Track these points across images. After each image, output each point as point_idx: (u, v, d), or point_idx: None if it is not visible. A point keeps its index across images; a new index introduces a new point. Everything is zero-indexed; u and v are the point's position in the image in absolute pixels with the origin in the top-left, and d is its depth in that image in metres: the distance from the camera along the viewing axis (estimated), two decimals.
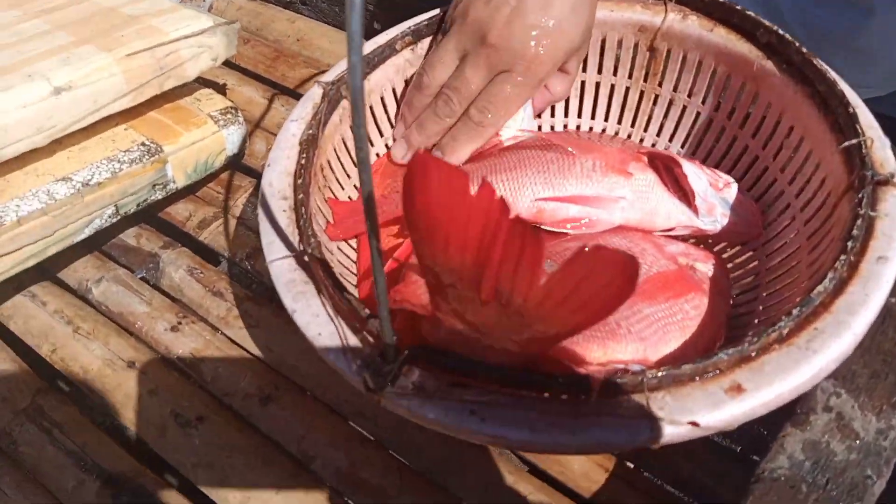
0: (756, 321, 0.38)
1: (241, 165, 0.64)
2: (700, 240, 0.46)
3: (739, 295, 0.41)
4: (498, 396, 0.26)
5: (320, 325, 0.31)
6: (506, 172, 0.42)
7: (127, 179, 0.52)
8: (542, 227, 0.40)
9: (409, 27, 0.49)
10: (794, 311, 0.28)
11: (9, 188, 0.47)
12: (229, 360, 0.48)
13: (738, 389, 0.26)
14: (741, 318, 0.39)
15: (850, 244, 0.30)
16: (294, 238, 0.37)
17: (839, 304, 0.28)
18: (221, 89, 0.67)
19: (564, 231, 0.40)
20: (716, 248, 0.46)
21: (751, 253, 0.44)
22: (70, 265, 0.55)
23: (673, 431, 0.24)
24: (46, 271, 0.55)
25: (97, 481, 0.42)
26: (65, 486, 0.42)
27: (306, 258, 0.35)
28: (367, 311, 0.29)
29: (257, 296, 0.52)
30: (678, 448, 0.34)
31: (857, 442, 0.33)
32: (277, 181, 0.40)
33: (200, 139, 0.55)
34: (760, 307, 0.39)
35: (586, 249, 0.18)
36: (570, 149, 0.42)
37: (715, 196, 0.41)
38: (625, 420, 0.25)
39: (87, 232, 0.51)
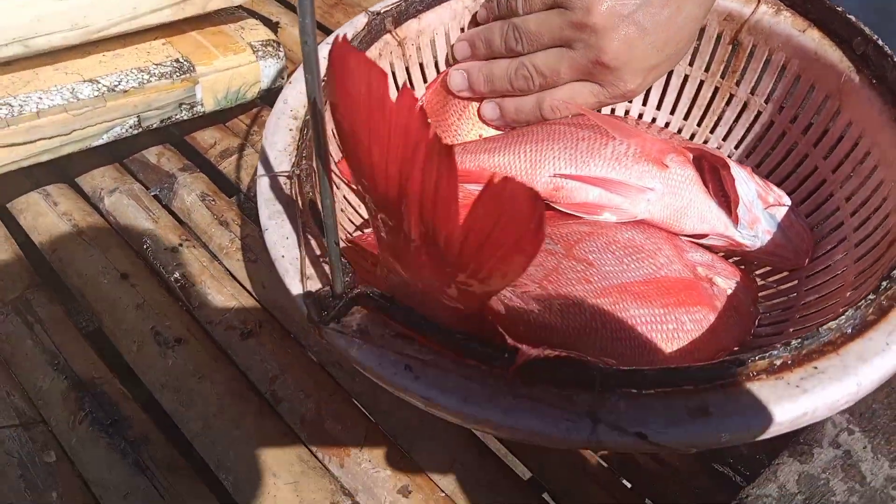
0: None
1: (274, 101, 0.66)
2: (741, 259, 0.45)
3: (764, 325, 0.40)
4: (439, 358, 0.27)
5: (287, 248, 0.33)
6: (531, 143, 0.42)
7: (153, 92, 0.55)
8: (557, 207, 0.40)
9: None
10: (794, 342, 0.27)
11: (35, 80, 0.51)
12: (220, 289, 0.51)
13: (703, 412, 0.25)
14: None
15: (884, 283, 0.29)
16: (291, 158, 0.38)
17: (852, 348, 0.27)
18: (273, 26, 0.70)
19: (579, 215, 0.39)
20: (759, 271, 0.45)
21: (793, 283, 0.42)
22: (89, 172, 0.59)
23: (615, 438, 0.24)
24: (65, 174, 0.59)
25: (65, 381, 0.45)
26: (34, 381, 0.45)
27: (294, 179, 0.36)
28: (336, 238, 0.30)
29: (262, 232, 0.54)
30: (669, 464, 0.34)
31: (861, 486, 0.31)
32: (293, 99, 0.42)
33: (236, 66, 0.58)
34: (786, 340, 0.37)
35: (493, 182, 0.18)
36: (608, 130, 0.42)
37: (761, 209, 0.40)
38: (566, 414, 0.25)
39: (106, 138, 0.55)
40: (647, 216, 0.40)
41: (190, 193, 0.58)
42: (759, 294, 0.43)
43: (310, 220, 0.35)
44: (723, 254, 0.43)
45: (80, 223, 0.55)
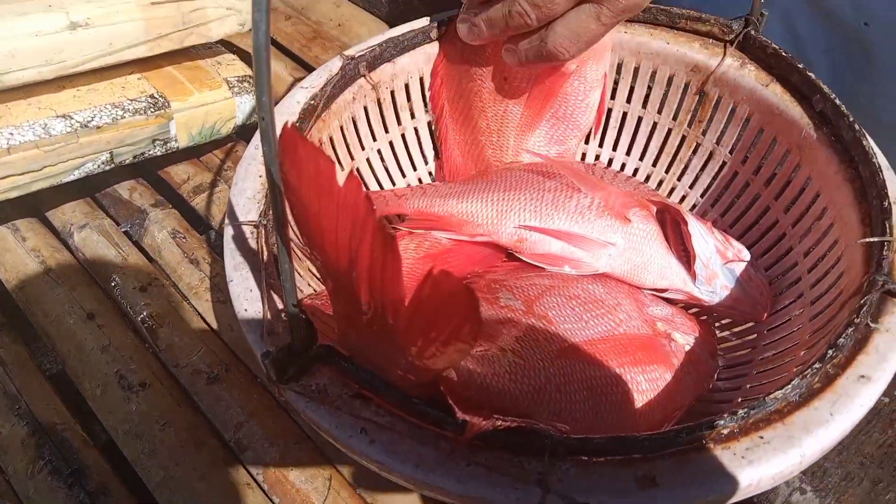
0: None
1: (249, 138, 0.67)
2: (701, 309, 0.46)
3: (723, 378, 0.41)
4: (395, 421, 0.27)
5: (250, 301, 0.33)
6: (500, 191, 0.43)
7: (127, 129, 0.55)
8: (521, 257, 0.41)
9: (449, 17, 0.51)
10: (741, 412, 0.28)
11: (7, 115, 0.51)
12: (188, 330, 0.51)
13: (650, 482, 0.26)
14: (717, 406, 0.39)
15: (831, 352, 0.30)
16: (259, 206, 0.39)
17: (797, 418, 0.28)
18: (248, 58, 0.71)
19: (541, 266, 0.40)
20: (719, 322, 0.46)
21: (752, 336, 0.43)
22: (59, 207, 0.59)
23: None
24: (35, 209, 0.59)
25: (26, 427, 0.45)
26: None
27: (261, 229, 0.37)
28: (295, 301, 0.31)
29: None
30: None
31: None
32: None
33: (211, 102, 0.59)
34: (739, 399, 0.38)
35: (432, 273, 0.18)
36: (574, 182, 0.43)
37: (719, 265, 0.41)
38: (517, 483, 0.25)
39: (77, 174, 0.55)
40: (609, 270, 0.41)
41: (161, 230, 0.58)
42: (720, 346, 0.44)
43: (274, 273, 0.35)
44: (683, 305, 0.44)
45: (49, 260, 0.55)
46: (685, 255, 0.42)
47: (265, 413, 0.46)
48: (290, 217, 0.24)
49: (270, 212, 0.38)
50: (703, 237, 0.41)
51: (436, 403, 0.28)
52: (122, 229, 0.59)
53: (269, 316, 0.34)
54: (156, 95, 0.57)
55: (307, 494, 0.42)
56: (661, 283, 0.41)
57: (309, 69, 0.72)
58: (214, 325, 0.52)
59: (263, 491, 0.43)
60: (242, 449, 0.45)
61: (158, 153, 0.59)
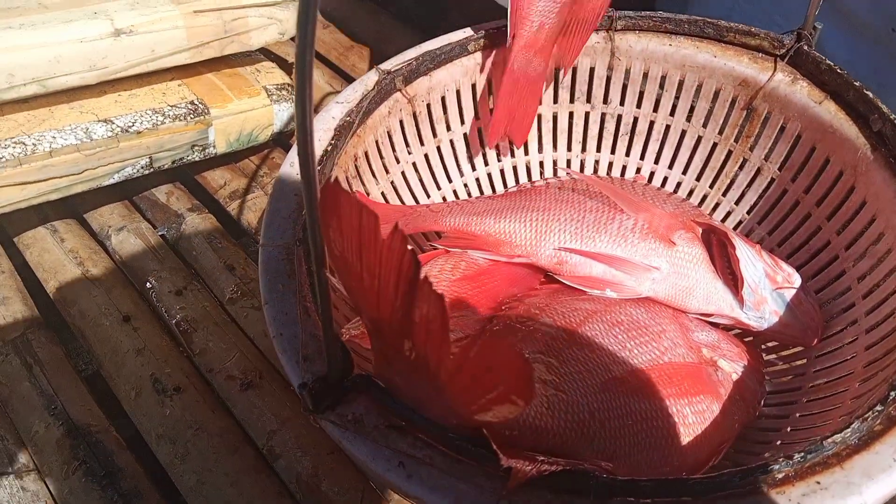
0: (778, 442, 0.36)
1: (286, 144, 0.67)
2: (748, 332, 0.44)
3: (771, 405, 0.39)
4: (434, 455, 0.26)
5: (285, 325, 0.33)
6: (538, 210, 0.42)
7: (167, 134, 0.55)
8: (560, 279, 0.40)
9: (486, 30, 0.50)
10: (797, 455, 0.26)
11: (50, 118, 0.51)
12: (223, 336, 0.51)
13: None
14: (763, 433, 0.37)
15: (893, 394, 0.28)
16: (295, 226, 0.38)
17: (857, 462, 0.26)
18: (288, 66, 0.71)
19: (582, 289, 0.39)
20: (766, 345, 0.44)
21: (802, 360, 0.41)
22: (97, 209, 0.60)
23: None
24: (74, 210, 0.60)
25: (61, 428, 0.45)
26: (29, 425, 0.46)
27: (296, 251, 0.36)
28: (333, 331, 0.30)
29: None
30: None
31: None
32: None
33: (249, 109, 0.59)
34: (789, 428, 0.36)
35: (486, 341, 0.18)
36: (616, 201, 0.41)
37: (769, 290, 0.39)
38: None
39: (116, 178, 0.56)
40: (652, 294, 0.39)
41: (197, 235, 0.58)
42: (767, 369, 0.42)
43: (310, 297, 0.34)
44: (735, 330, 0.42)
45: (86, 261, 0.56)
46: (732, 280, 0.40)
47: (298, 421, 0.46)
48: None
49: (308, 231, 0.37)
50: (751, 261, 0.39)
51: (475, 438, 0.27)
52: (159, 233, 0.59)
53: (305, 341, 0.33)
54: (196, 102, 0.57)
55: None
56: (707, 308, 0.40)
57: (346, 77, 0.72)
58: (249, 331, 0.52)
59: (296, 500, 0.42)
60: (275, 457, 0.44)
61: (197, 158, 0.59)
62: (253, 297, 0.54)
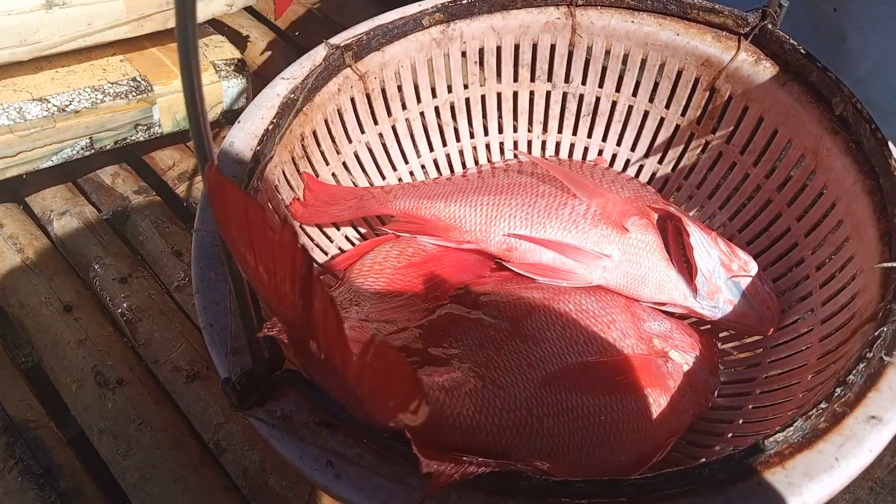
0: (730, 434, 0.36)
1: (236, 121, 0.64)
2: (701, 321, 0.43)
3: (725, 395, 0.38)
4: (363, 453, 0.25)
5: (216, 316, 0.31)
6: (490, 194, 0.41)
7: (107, 113, 0.53)
8: (510, 266, 0.39)
9: (442, 3, 0.48)
10: (737, 455, 0.25)
11: None
12: (169, 326, 0.49)
13: None
14: (716, 425, 0.37)
15: (839, 390, 0.27)
16: None
17: (799, 462, 0.26)
18: (242, 40, 0.68)
19: (532, 277, 0.38)
20: (723, 334, 0.43)
21: (757, 350, 0.41)
22: (40, 192, 0.57)
23: None
24: (16, 193, 0.57)
25: None
26: None
27: None
28: (254, 326, 0.29)
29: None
30: None
31: None
32: (240, 141, 0.40)
33: None
34: (741, 420, 0.36)
35: (372, 344, 0.16)
36: (570, 186, 0.40)
37: (724, 278, 0.38)
38: None
39: (55, 160, 0.53)
40: (603, 283, 0.38)
41: (144, 219, 0.56)
42: (723, 359, 0.42)
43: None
44: (691, 320, 0.41)
45: (26, 247, 0.54)
46: (687, 268, 0.39)
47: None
48: None
49: None
50: (706, 249, 0.38)
51: (404, 437, 0.26)
52: (104, 217, 0.57)
53: (235, 333, 0.32)
54: (138, 79, 0.54)
55: (287, 500, 0.41)
56: (660, 297, 0.39)
57: (303, 51, 0.70)
58: (196, 320, 0.50)
59: (243, 496, 0.41)
60: (221, 451, 0.43)
61: (141, 138, 0.57)
62: None
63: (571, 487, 0.25)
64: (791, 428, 0.26)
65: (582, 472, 0.30)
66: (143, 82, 0.54)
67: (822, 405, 0.27)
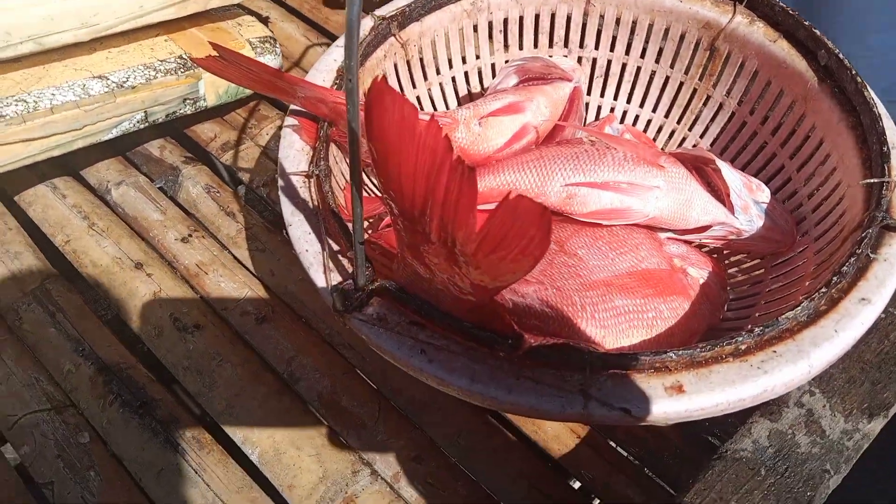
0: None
1: (271, 97, 0.70)
2: (734, 250, 0.50)
3: (734, 308, 0.45)
4: (449, 343, 0.32)
5: (310, 243, 0.37)
6: (536, 160, 0.47)
7: (160, 88, 0.58)
8: (572, 216, 0.44)
9: None
10: (757, 329, 0.32)
11: (47, 77, 0.53)
12: (233, 277, 0.55)
13: (678, 389, 0.30)
14: (727, 333, 0.44)
15: (835, 279, 0.34)
16: (307, 157, 0.43)
17: (805, 335, 0.33)
18: (264, 21, 0.73)
19: (597, 223, 0.43)
20: (728, 260, 0.50)
21: (760, 271, 0.48)
22: (93, 165, 0.62)
23: (603, 413, 0.29)
24: (70, 167, 0.62)
25: (92, 367, 0.49)
26: (61, 367, 0.49)
27: (313, 178, 0.41)
28: (362, 239, 0.35)
29: (268, 222, 0.59)
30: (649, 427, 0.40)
31: (822, 439, 0.38)
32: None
33: None
34: (750, 326, 0.43)
35: (508, 198, 0.22)
36: (604, 142, 0.46)
37: (748, 196, 0.45)
38: (561, 391, 0.30)
39: (115, 133, 0.58)
40: (658, 213, 0.44)
41: (195, 185, 0.61)
42: (731, 281, 0.48)
43: (329, 218, 0.39)
44: (723, 243, 0.48)
45: (90, 215, 0.59)
46: (717, 191, 0.46)
47: (313, 348, 0.50)
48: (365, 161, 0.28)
49: (322, 162, 0.42)
50: (730, 171, 0.44)
51: (485, 328, 0.32)
52: (157, 185, 0.62)
53: (328, 254, 0.38)
54: (184, 56, 0.59)
55: (360, 417, 0.47)
56: (706, 218, 0.45)
57: (321, 31, 0.75)
58: (256, 271, 0.56)
59: (319, 416, 0.47)
60: (295, 381, 0.49)
61: (189, 111, 0.62)
62: (256, 240, 0.58)
63: (625, 359, 0.31)
64: (799, 308, 0.33)
65: None
66: (188, 59, 0.59)
67: (822, 290, 0.34)
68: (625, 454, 0.45)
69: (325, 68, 0.47)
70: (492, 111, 0.49)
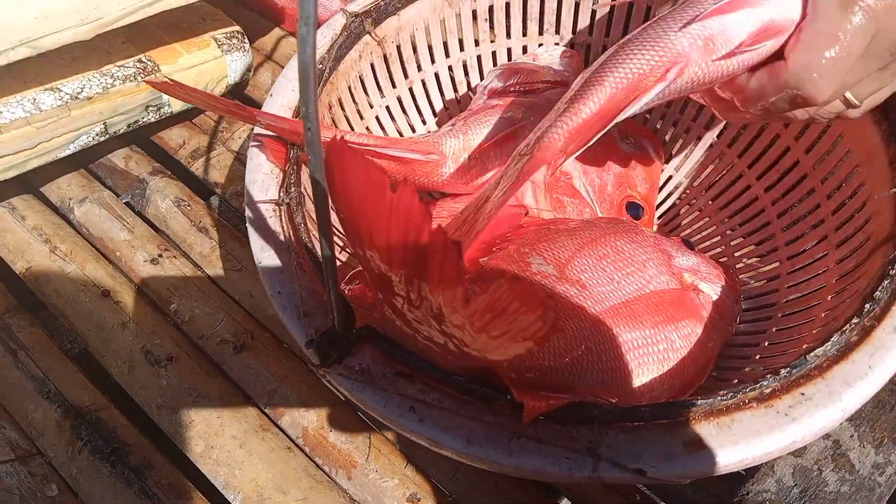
0: (757, 356, 0.40)
1: (243, 96, 0.65)
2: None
3: (747, 321, 0.42)
4: (441, 398, 0.28)
5: (282, 283, 0.34)
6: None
7: (119, 97, 0.53)
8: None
9: None
10: (783, 372, 0.29)
11: None
12: (207, 301, 0.51)
13: (698, 445, 0.27)
14: (741, 349, 0.40)
15: (868, 306, 0.31)
16: (277, 181, 0.39)
17: (836, 372, 0.29)
18: (230, 10, 0.68)
19: (745, 51, 0.33)
20: (740, 263, 0.47)
21: (775, 278, 0.44)
22: (54, 181, 0.58)
23: (615, 475, 0.26)
24: (29, 185, 0.58)
25: (58, 410, 0.46)
26: (25, 411, 0.46)
27: (284, 206, 0.37)
28: (338, 288, 0.31)
29: (244, 235, 0.55)
30: None
31: (851, 475, 0.34)
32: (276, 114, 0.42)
33: (201, 63, 0.57)
34: (766, 343, 0.40)
35: (503, 282, 0.19)
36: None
37: None
38: (567, 452, 0.27)
39: (72, 148, 0.54)
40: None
41: (164, 199, 0.57)
42: (744, 288, 0.45)
43: (303, 252, 0.35)
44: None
45: (52, 237, 0.55)
46: None
47: (297, 378, 0.47)
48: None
49: (292, 188, 0.38)
50: None
51: (479, 381, 0.29)
52: (123, 200, 0.58)
53: (304, 297, 0.34)
54: (144, 60, 0.55)
55: (349, 454, 0.44)
56: None
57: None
58: (233, 292, 0.52)
59: (305, 454, 0.44)
60: (279, 415, 0.46)
61: (153, 119, 0.58)
62: (231, 258, 0.54)
63: (638, 412, 0.28)
64: (829, 343, 0.30)
65: (636, 400, 0.33)
66: (148, 63, 0.55)
67: (854, 320, 0.30)
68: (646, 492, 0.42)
69: (294, 76, 0.43)
70: (483, 146, 0.44)
